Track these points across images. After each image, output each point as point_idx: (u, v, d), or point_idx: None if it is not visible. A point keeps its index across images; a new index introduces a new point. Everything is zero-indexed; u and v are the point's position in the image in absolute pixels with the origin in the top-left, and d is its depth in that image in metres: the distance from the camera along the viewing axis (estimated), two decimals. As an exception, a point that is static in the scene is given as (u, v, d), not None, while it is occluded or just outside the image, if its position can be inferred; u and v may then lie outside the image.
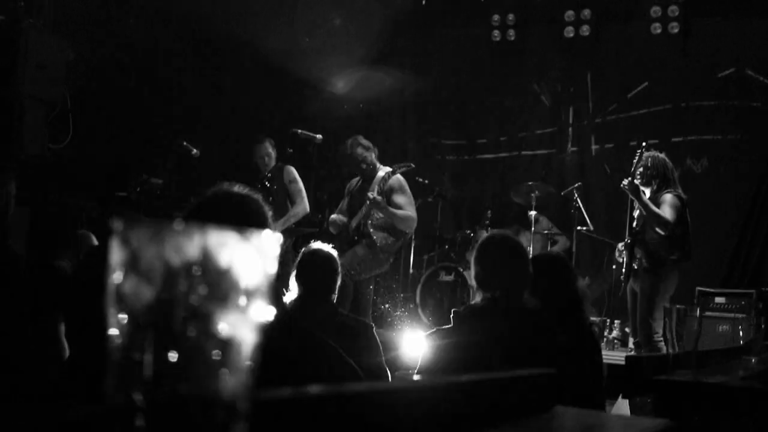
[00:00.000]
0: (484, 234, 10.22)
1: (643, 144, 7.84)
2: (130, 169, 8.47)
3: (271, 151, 8.40)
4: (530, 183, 10.40)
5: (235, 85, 10.94)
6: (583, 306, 4.53)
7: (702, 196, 10.73)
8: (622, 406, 5.30)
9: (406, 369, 8.33)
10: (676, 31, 10.81)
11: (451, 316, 3.68)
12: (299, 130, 8.18)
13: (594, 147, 11.52)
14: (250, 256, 0.69)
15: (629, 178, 7.36)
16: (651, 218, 7.26)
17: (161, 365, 0.66)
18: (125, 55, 9.37)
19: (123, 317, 0.68)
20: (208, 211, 2.34)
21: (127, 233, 0.68)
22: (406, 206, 7.76)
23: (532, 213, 10.10)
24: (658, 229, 7.28)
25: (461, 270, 10.00)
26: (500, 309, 3.54)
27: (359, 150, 7.89)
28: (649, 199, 7.38)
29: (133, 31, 9.47)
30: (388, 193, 7.66)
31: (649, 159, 7.53)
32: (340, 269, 4.60)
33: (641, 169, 7.46)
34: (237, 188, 2.45)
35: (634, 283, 7.52)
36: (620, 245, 7.77)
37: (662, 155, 7.70)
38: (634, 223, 7.59)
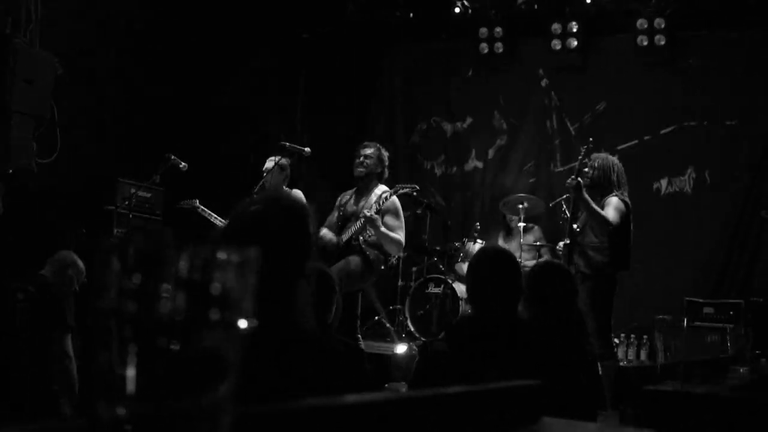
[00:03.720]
0: (472, 245, 10.31)
1: (590, 139, 7.85)
2: (118, 183, 8.45)
3: (278, 170, 8.29)
4: (519, 195, 10.43)
5: (224, 99, 10.94)
6: (580, 317, 4.53)
7: (690, 207, 10.79)
8: (611, 417, 5.31)
9: (396, 381, 8.33)
10: (662, 43, 10.87)
11: (445, 328, 3.67)
12: (287, 143, 8.16)
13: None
14: (236, 270, 0.69)
15: (573, 176, 7.26)
16: (591, 217, 7.09)
17: (145, 379, 0.67)
18: (114, 70, 9.37)
19: (108, 331, 0.68)
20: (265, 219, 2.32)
21: (115, 248, 0.69)
22: (397, 230, 7.64)
23: (521, 225, 10.11)
24: (598, 229, 7.14)
25: (450, 282, 10.01)
26: (493, 322, 3.53)
27: (371, 150, 7.75)
28: (595, 201, 7.25)
29: (121, 44, 9.48)
30: (383, 212, 7.55)
31: (597, 161, 7.44)
32: (336, 287, 4.48)
33: (587, 170, 7.36)
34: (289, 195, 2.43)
35: None
36: (560, 244, 7.64)
37: (612, 158, 7.63)
38: (576, 226, 7.44)
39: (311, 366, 2.27)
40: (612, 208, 7.14)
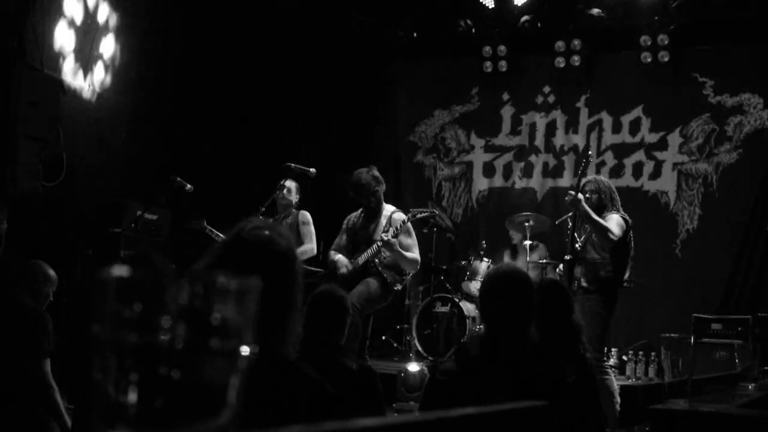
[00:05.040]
0: (478, 264, 10.29)
1: (590, 153, 7.92)
2: (124, 205, 8.45)
3: (293, 191, 8.37)
4: (525, 213, 10.42)
5: (229, 119, 10.97)
6: (582, 336, 4.51)
7: (696, 222, 10.77)
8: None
9: (405, 401, 8.30)
10: (666, 59, 10.88)
11: (455, 348, 3.65)
12: (293, 164, 8.17)
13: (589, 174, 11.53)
14: (236, 299, 0.69)
15: (572, 192, 7.33)
16: (594, 228, 7.15)
17: (146, 408, 0.67)
18: (119, 91, 9.40)
19: (109, 360, 0.68)
20: (236, 253, 2.30)
21: (115, 276, 0.69)
22: (412, 248, 7.74)
23: (527, 243, 10.10)
24: (602, 241, 7.18)
25: (457, 300, 9.99)
26: (505, 343, 3.51)
27: (373, 182, 7.78)
28: None
29: (126, 66, 9.51)
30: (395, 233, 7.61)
31: (590, 185, 7.50)
32: (350, 310, 4.50)
33: (588, 195, 7.42)
34: (264, 227, 2.40)
35: None
36: (565, 258, 7.67)
37: (602, 178, 7.71)
38: (577, 244, 7.48)
39: (306, 386, 2.26)
40: (614, 223, 7.20)
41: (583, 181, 7.54)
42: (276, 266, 2.28)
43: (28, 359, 5.29)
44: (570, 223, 7.89)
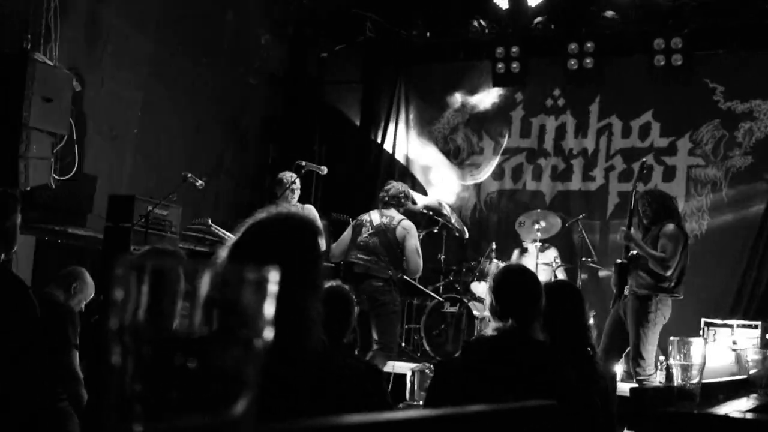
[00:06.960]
0: (488, 265, 10.27)
1: (644, 160, 7.91)
2: (134, 200, 8.46)
3: (294, 186, 8.36)
4: (536, 211, 10.42)
5: (241, 118, 10.98)
6: (592, 339, 4.50)
7: (707, 227, 10.73)
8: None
9: (410, 401, 8.29)
10: (679, 63, 10.85)
11: (461, 346, 3.64)
12: (304, 162, 8.17)
13: (598, 177, 11.51)
14: (253, 289, 0.69)
15: (624, 228, 7.33)
16: (650, 262, 7.15)
17: (162, 398, 0.67)
18: (132, 87, 9.41)
19: (125, 350, 0.68)
20: (263, 235, 2.30)
21: (131, 268, 0.69)
22: None
23: (537, 244, 10.08)
24: (657, 269, 7.18)
25: (466, 301, 9.97)
26: (511, 341, 3.50)
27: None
28: (652, 231, 7.33)
29: (140, 62, 9.53)
30: None
31: (648, 197, 7.46)
32: (355, 309, 4.48)
33: (643, 209, 7.40)
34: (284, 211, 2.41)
35: (621, 309, 7.37)
36: (617, 261, 7.66)
37: (656, 189, 7.69)
38: (633, 251, 7.46)
39: (317, 384, 2.26)
40: (667, 239, 7.19)
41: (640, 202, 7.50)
42: (295, 240, 2.28)
43: (56, 352, 5.34)
44: (581, 226, 7.89)
